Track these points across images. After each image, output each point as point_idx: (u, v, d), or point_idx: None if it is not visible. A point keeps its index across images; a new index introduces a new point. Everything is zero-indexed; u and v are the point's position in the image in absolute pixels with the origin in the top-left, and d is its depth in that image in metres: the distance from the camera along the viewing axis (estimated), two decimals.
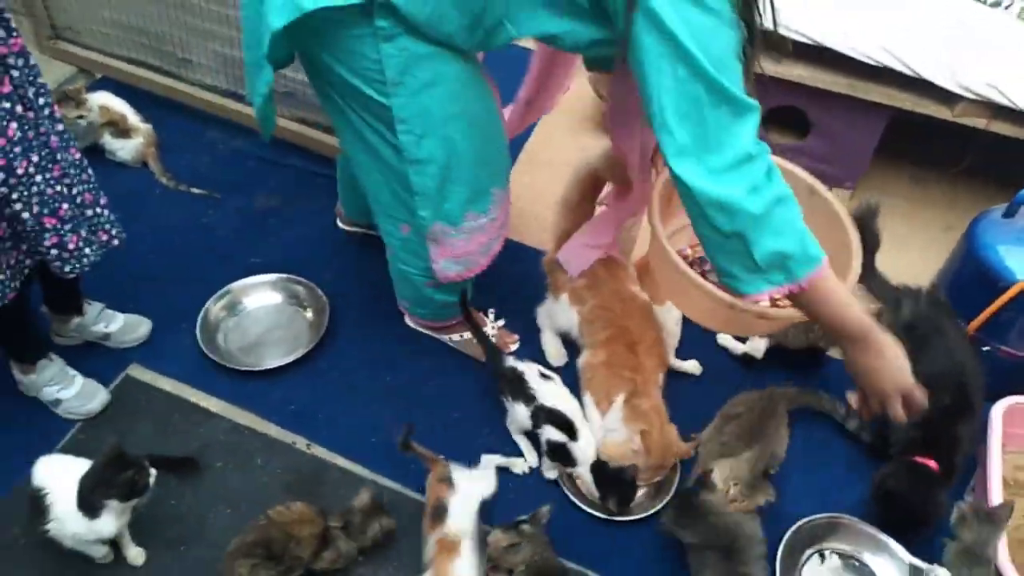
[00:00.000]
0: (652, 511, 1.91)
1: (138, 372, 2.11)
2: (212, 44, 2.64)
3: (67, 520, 1.58)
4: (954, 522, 1.77)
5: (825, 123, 2.69)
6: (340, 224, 2.54)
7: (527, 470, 2.00)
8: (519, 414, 1.96)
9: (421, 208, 1.77)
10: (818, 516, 1.87)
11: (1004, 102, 2.31)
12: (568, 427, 1.90)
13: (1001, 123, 2.38)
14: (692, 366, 2.24)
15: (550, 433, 1.92)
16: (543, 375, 1.99)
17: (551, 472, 1.99)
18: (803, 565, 1.84)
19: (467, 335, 2.22)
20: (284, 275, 2.35)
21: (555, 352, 2.24)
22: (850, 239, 1.72)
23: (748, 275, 1.39)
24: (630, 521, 1.91)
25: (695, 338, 2.25)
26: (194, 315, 2.21)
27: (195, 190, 2.62)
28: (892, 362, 1.47)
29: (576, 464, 1.92)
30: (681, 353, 2.24)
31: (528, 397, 1.94)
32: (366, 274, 2.40)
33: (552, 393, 1.96)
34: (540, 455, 2.00)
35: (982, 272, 2.07)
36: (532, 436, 2.00)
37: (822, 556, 1.87)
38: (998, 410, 1.95)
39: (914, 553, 1.82)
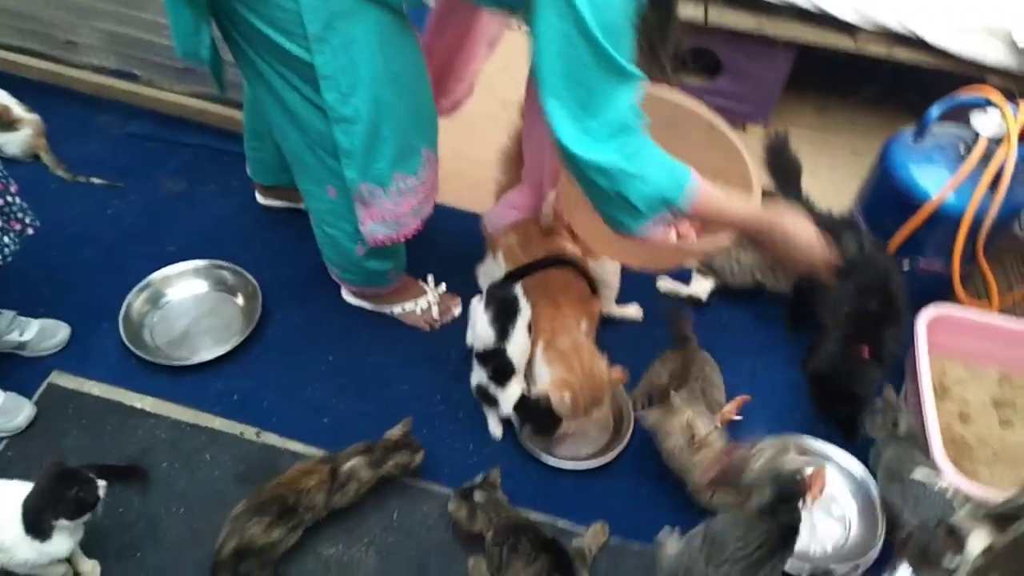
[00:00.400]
0: (612, 456, 1.94)
1: (62, 379, 1.97)
2: (98, 22, 2.45)
3: (16, 548, 1.46)
4: (869, 423, 1.88)
5: (735, 63, 2.74)
6: (260, 199, 2.43)
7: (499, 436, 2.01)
8: (479, 328, 1.91)
9: (348, 169, 1.70)
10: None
11: (902, 31, 2.41)
12: (504, 372, 1.90)
13: (901, 49, 2.48)
14: (633, 311, 2.28)
15: (479, 376, 1.93)
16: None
17: (497, 430, 2.00)
18: None
19: (410, 305, 2.18)
20: (208, 261, 2.23)
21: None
22: (748, 170, 1.78)
23: (633, 220, 1.46)
24: (595, 468, 1.94)
25: (640, 285, 2.30)
26: (114, 313, 2.08)
27: (95, 180, 2.44)
28: (799, 242, 1.59)
29: (498, 405, 1.94)
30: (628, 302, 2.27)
31: (505, 330, 1.89)
32: (294, 251, 2.31)
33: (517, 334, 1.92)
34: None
35: (897, 192, 2.17)
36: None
37: None
38: (922, 320, 2.07)
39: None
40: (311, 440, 1.92)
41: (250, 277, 2.20)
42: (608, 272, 2.20)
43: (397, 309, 2.20)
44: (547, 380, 1.90)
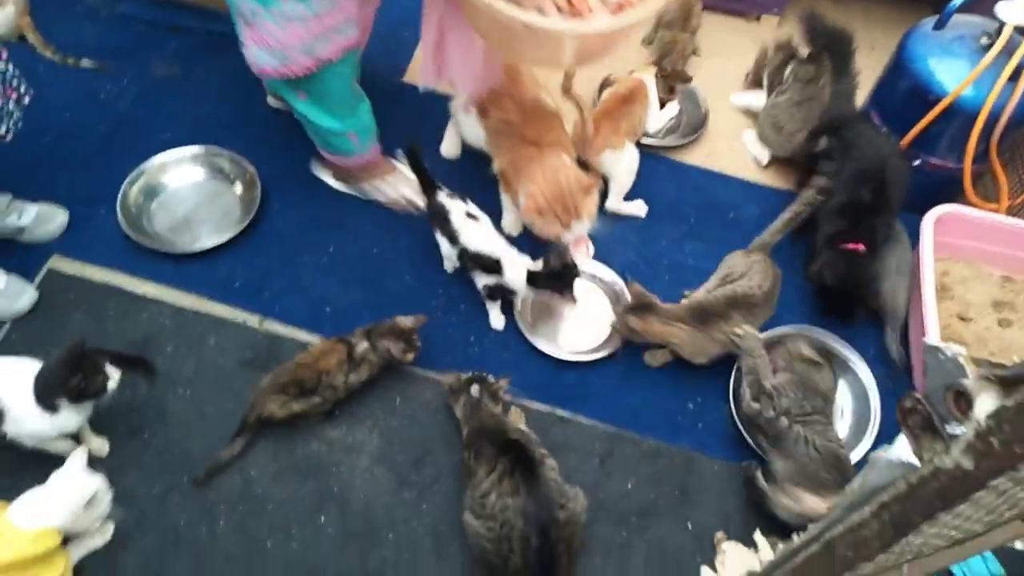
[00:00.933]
0: (610, 350, 1.96)
1: (62, 264, 1.97)
2: None
3: (27, 419, 1.50)
4: None
5: None
6: (271, 102, 2.36)
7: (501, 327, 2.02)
8: (444, 249, 1.98)
9: None
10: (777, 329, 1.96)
11: None
12: (495, 265, 1.89)
13: None
14: (637, 207, 2.25)
15: (482, 279, 1.94)
16: (469, 215, 1.94)
17: (499, 321, 2.01)
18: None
19: (378, 180, 2.15)
20: (204, 147, 2.19)
21: (449, 146, 2.32)
22: None
23: None
24: (594, 361, 1.96)
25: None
26: (112, 199, 2.05)
27: (85, 63, 2.36)
28: None
29: (515, 294, 1.94)
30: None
31: (452, 236, 1.92)
32: (292, 140, 2.24)
33: (476, 234, 1.92)
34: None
35: (914, 86, 2.10)
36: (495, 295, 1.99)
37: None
38: (929, 220, 2.04)
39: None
40: (314, 328, 1.94)
41: (248, 165, 2.16)
42: (621, 168, 2.16)
43: (367, 187, 2.16)
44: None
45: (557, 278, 1.88)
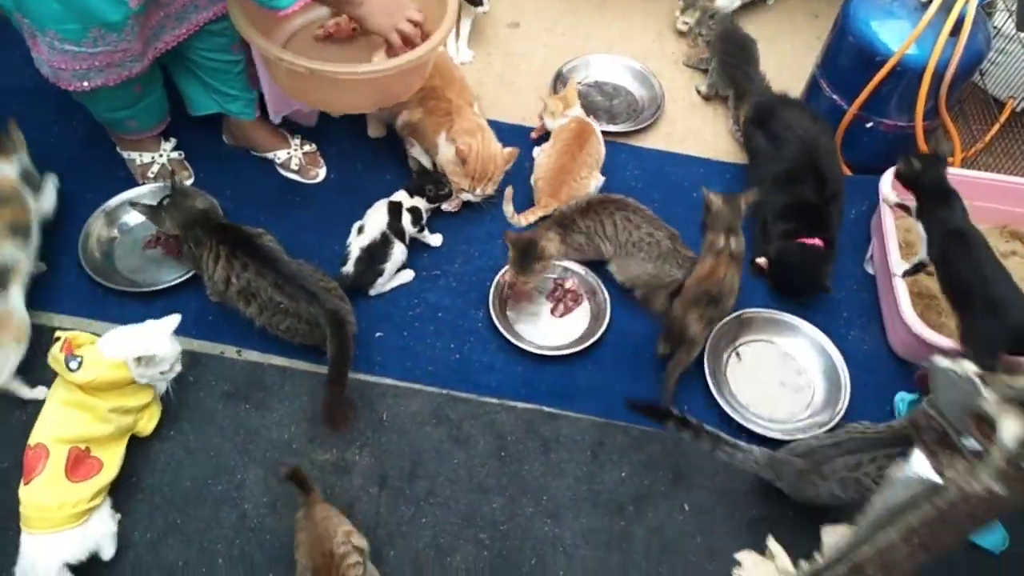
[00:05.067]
0: (590, 342, 1.98)
1: (32, 317, 1.92)
2: None
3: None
4: None
5: None
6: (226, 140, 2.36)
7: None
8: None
9: None
10: (728, 318, 1.98)
11: None
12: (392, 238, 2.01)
13: None
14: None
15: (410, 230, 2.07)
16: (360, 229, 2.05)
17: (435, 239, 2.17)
18: (726, 367, 1.98)
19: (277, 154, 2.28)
20: (158, 184, 2.17)
21: (374, 128, 2.39)
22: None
23: None
24: (575, 354, 1.97)
25: None
26: (73, 246, 2.02)
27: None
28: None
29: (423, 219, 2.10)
30: None
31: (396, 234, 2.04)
32: (252, 168, 2.25)
33: (367, 232, 2.01)
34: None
35: (859, 50, 2.14)
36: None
37: (738, 356, 2.01)
38: (887, 179, 2.08)
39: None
40: (292, 353, 1.92)
41: (207, 195, 2.13)
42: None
43: (270, 156, 2.28)
44: (449, 152, 2.08)
45: (427, 181, 2.09)
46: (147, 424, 1.74)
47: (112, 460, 1.63)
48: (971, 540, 1.67)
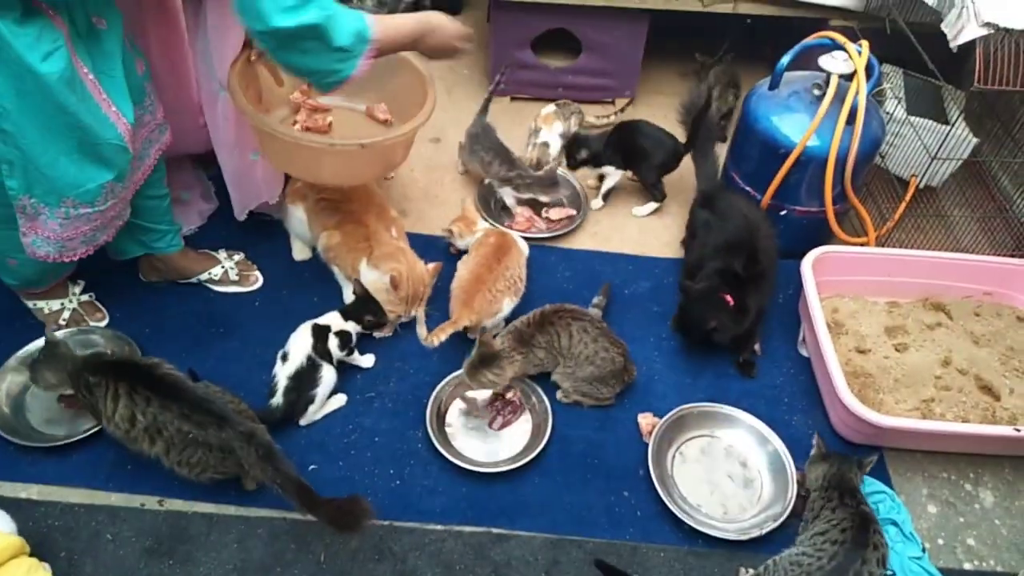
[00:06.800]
0: (534, 454, 1.92)
1: None
2: None
3: None
4: None
5: (593, 40, 2.76)
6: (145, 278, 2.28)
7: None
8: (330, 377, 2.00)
9: (7, 177, 1.65)
10: (666, 417, 1.97)
11: None
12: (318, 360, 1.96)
13: (745, 4, 2.55)
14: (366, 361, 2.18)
15: (338, 353, 2.02)
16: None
17: (367, 360, 2.12)
18: (672, 469, 1.94)
19: (206, 275, 2.24)
20: (72, 329, 2.08)
21: (298, 250, 2.38)
22: (427, 90, 2.10)
23: (346, 63, 1.67)
24: (520, 468, 1.90)
25: None
26: None
27: None
28: (446, 29, 1.86)
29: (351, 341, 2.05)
30: None
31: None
32: (164, 303, 2.18)
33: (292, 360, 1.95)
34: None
35: (763, 143, 2.23)
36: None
37: (682, 455, 1.97)
38: (807, 262, 2.12)
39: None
40: (218, 498, 1.80)
41: (124, 336, 2.06)
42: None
43: (204, 278, 2.23)
44: (379, 279, 2.08)
45: (367, 310, 2.05)
46: None
47: None
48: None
